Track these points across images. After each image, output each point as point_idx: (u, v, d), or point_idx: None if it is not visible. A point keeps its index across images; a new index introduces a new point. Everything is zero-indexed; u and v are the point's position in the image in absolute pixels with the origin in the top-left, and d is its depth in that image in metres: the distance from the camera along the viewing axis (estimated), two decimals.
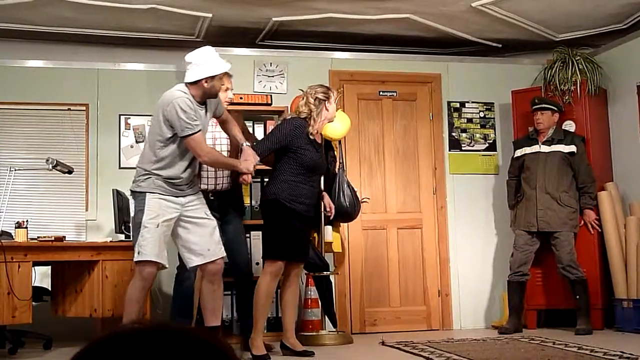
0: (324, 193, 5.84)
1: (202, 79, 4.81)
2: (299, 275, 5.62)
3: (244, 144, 5.13)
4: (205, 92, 4.86)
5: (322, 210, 5.85)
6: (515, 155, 6.90)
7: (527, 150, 6.77)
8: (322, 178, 5.88)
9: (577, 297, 6.41)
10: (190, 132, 4.73)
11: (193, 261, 4.96)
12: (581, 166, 6.62)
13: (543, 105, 6.71)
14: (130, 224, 4.99)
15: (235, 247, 5.63)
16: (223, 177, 5.63)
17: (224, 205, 5.67)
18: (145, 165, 4.87)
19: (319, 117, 5.37)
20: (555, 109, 6.73)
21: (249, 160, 5.04)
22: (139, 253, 4.74)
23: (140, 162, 4.97)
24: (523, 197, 6.75)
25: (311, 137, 5.34)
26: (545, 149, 6.67)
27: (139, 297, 4.80)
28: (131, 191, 4.95)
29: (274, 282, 5.32)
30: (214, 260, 4.96)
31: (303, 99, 5.47)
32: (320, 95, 5.39)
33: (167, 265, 4.92)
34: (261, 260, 5.70)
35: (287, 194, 5.25)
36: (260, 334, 5.27)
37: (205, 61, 4.85)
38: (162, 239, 4.79)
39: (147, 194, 4.79)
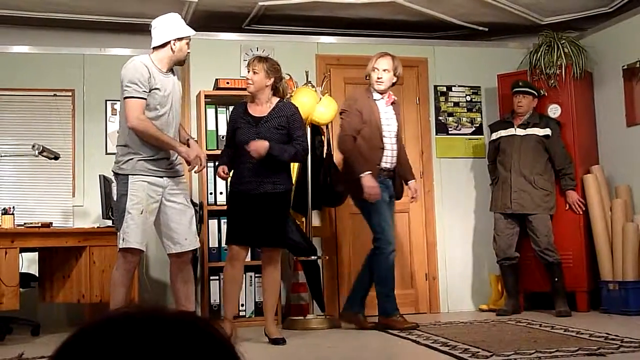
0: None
1: (170, 41, 4.81)
2: (274, 260, 5.26)
3: (190, 139, 5.07)
4: (173, 55, 4.85)
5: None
6: (492, 139, 6.97)
7: (502, 133, 6.82)
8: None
9: (556, 279, 6.47)
10: (129, 95, 4.67)
11: (171, 249, 4.89)
12: (557, 149, 6.67)
13: (526, 89, 6.76)
14: (113, 207, 4.92)
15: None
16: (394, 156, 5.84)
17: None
18: (127, 140, 4.74)
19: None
20: (536, 94, 6.80)
21: (193, 149, 4.94)
22: (123, 240, 4.69)
23: (120, 141, 4.83)
24: (498, 179, 6.80)
25: (248, 115, 5.23)
26: (520, 132, 6.71)
27: (125, 282, 4.73)
28: (114, 173, 4.85)
29: (234, 268, 5.20)
30: (188, 250, 4.93)
31: None
32: None
33: (145, 251, 4.89)
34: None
35: (233, 180, 5.28)
36: (228, 320, 5.13)
37: (172, 23, 4.86)
38: (146, 225, 4.73)
39: (129, 176, 4.70)
